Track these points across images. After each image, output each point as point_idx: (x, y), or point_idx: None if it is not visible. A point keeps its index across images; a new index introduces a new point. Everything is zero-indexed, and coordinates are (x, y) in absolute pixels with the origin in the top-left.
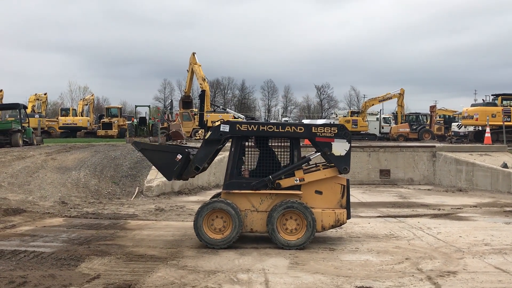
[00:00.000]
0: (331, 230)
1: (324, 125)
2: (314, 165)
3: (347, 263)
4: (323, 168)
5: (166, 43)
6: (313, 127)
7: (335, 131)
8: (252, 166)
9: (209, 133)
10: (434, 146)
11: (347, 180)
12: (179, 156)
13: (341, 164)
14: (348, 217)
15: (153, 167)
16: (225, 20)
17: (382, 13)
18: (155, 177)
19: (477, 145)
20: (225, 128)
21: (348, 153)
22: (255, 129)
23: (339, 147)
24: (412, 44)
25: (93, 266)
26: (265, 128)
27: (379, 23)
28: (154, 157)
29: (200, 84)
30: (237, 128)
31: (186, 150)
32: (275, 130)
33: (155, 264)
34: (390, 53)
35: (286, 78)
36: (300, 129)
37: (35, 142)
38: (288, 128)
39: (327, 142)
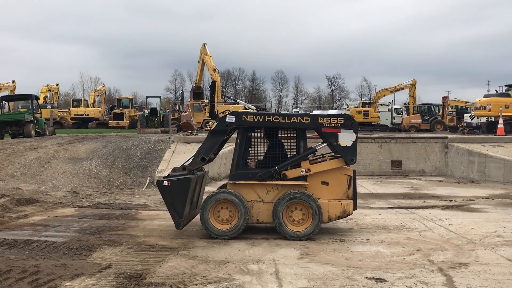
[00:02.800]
0: (341, 221)
1: (330, 116)
2: (321, 156)
3: (358, 254)
4: (330, 159)
5: (184, 35)
6: (319, 118)
7: (341, 121)
8: (258, 157)
9: (215, 124)
10: (446, 137)
11: (354, 171)
12: (166, 183)
13: (348, 154)
14: (355, 208)
15: (164, 158)
16: (243, 13)
17: (401, 3)
18: (166, 168)
19: (489, 136)
20: (231, 118)
21: (354, 144)
22: (261, 120)
23: (346, 138)
24: (428, 35)
25: (105, 255)
26: (271, 118)
27: (397, 14)
28: (178, 205)
29: (211, 75)
30: (243, 119)
31: (158, 179)
32: (281, 120)
33: (166, 254)
34: (406, 44)
35: (297, 69)
36: (306, 120)
37: (47, 133)
38: (294, 119)
39: (333, 133)
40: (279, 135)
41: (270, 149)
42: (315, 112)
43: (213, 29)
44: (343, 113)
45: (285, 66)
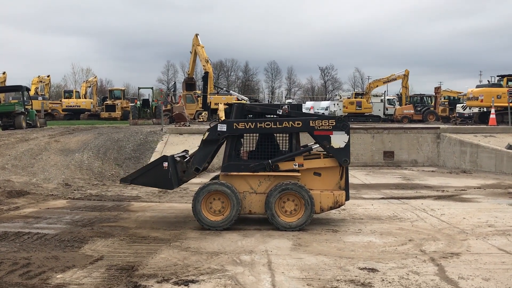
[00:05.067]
0: (334, 212)
1: (321, 118)
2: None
3: (350, 244)
4: (324, 157)
5: (181, 27)
6: (311, 121)
7: (333, 123)
8: (251, 148)
9: (207, 133)
10: (439, 128)
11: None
12: (165, 164)
13: (341, 156)
14: (347, 198)
15: (156, 149)
16: (242, 5)
17: None
18: None
19: (481, 126)
20: (223, 127)
21: (347, 145)
22: (252, 127)
23: (338, 140)
24: (423, 27)
25: (97, 247)
26: (263, 125)
27: (393, 6)
28: (145, 179)
29: (204, 65)
30: (234, 127)
31: (168, 155)
32: (272, 126)
33: (158, 246)
34: (400, 35)
35: (290, 60)
36: (298, 124)
37: (38, 124)
38: (285, 124)
39: (326, 135)
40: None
41: (263, 141)
42: (308, 103)
43: (210, 20)
44: (336, 104)
45: (278, 57)
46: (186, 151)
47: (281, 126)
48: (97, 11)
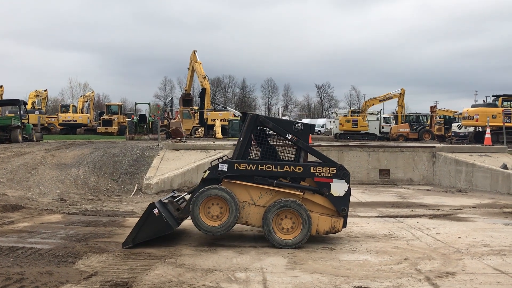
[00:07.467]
0: None
1: (322, 165)
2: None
3: (346, 263)
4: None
5: (184, 44)
6: (312, 167)
7: (333, 171)
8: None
9: (207, 172)
10: (434, 147)
11: (349, 188)
12: (155, 210)
13: (340, 205)
14: (344, 225)
15: (152, 165)
16: (247, 24)
17: (401, 16)
18: (154, 175)
19: (477, 146)
20: (224, 167)
21: (347, 194)
22: (253, 168)
23: (338, 188)
24: (421, 47)
25: (91, 263)
26: (264, 167)
27: (395, 26)
28: (145, 233)
29: (201, 82)
30: (235, 167)
31: (155, 201)
32: (273, 170)
33: (152, 262)
34: (399, 55)
35: (287, 78)
36: (299, 169)
37: (34, 139)
38: (286, 168)
39: (326, 183)
40: (277, 142)
41: (266, 155)
42: (304, 120)
43: (211, 38)
44: (332, 121)
45: (275, 75)
46: (173, 191)
47: (282, 170)
48: (104, 28)
